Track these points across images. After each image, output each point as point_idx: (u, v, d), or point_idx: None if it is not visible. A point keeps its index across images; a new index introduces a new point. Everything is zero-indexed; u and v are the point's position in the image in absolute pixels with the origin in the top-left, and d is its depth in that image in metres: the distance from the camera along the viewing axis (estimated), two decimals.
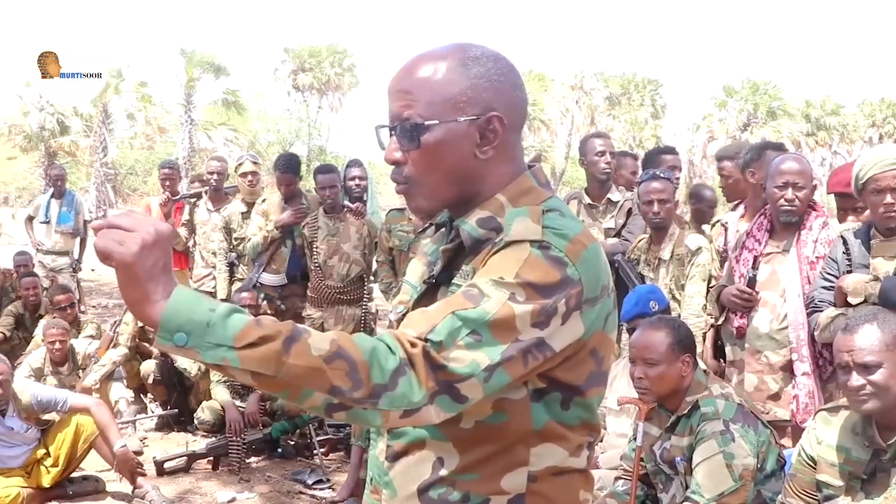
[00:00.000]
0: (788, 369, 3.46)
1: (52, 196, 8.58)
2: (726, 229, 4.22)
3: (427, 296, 1.40)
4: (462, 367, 1.18)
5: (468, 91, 1.32)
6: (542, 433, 1.33)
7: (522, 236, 1.27)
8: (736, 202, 4.50)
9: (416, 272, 1.49)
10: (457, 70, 1.33)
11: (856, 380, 2.41)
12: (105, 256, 1.12)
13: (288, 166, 5.97)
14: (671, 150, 5.43)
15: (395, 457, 1.39)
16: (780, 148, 4.40)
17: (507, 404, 1.30)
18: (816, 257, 3.45)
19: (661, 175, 4.13)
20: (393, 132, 1.36)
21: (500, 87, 1.34)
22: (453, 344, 1.18)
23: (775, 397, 3.48)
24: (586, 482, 1.41)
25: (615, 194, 4.73)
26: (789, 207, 3.47)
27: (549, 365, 1.28)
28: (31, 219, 8.67)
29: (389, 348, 1.17)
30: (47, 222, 8.45)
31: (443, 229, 1.50)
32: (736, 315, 3.61)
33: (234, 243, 6.20)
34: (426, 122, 1.32)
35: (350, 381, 1.13)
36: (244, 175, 6.39)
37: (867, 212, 3.40)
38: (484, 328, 1.20)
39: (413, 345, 1.18)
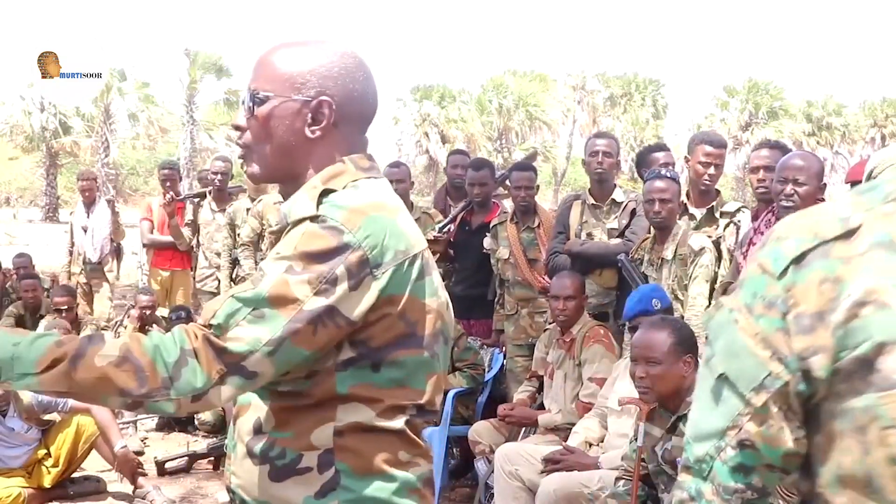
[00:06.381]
0: None
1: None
2: (739, 228, 4.21)
3: None
4: (242, 346, 1.29)
5: (307, 75, 1.45)
6: (348, 395, 1.39)
7: (301, 214, 1.40)
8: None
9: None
10: (302, 56, 1.47)
11: None
12: None
13: None
14: (662, 147, 5.39)
15: (234, 420, 1.52)
16: (783, 148, 4.37)
17: (313, 373, 1.39)
18: None
19: (667, 175, 4.11)
20: (243, 103, 1.51)
21: (338, 78, 1.47)
22: (234, 325, 1.30)
23: None
24: (405, 444, 1.44)
25: (619, 194, 4.71)
26: (787, 203, 3.49)
27: (357, 336, 1.35)
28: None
29: (175, 342, 1.30)
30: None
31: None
32: None
33: (238, 240, 6.23)
34: (261, 94, 1.46)
35: (136, 381, 1.28)
36: None
37: None
38: (263, 304, 1.30)
39: (196, 335, 1.31)
